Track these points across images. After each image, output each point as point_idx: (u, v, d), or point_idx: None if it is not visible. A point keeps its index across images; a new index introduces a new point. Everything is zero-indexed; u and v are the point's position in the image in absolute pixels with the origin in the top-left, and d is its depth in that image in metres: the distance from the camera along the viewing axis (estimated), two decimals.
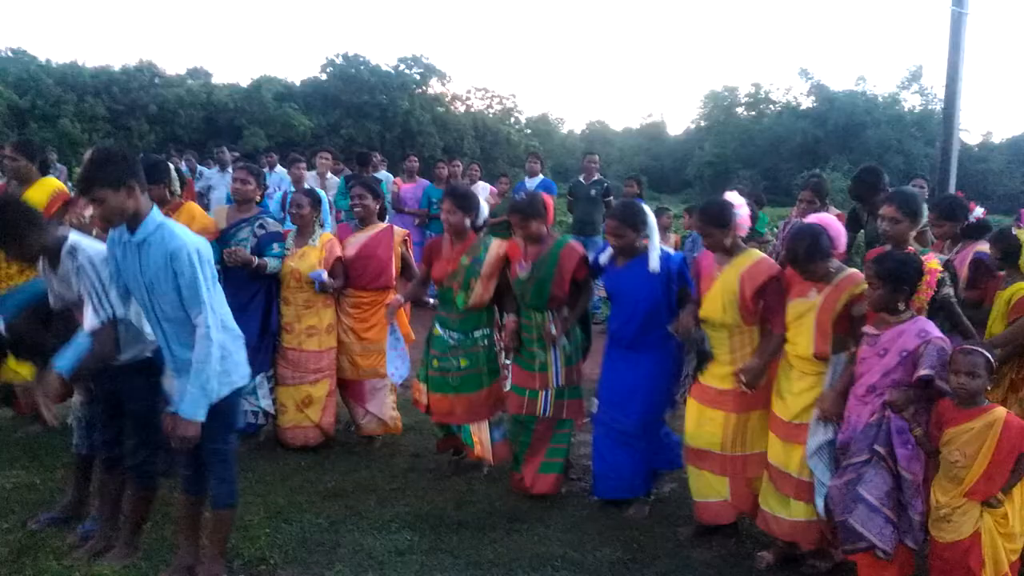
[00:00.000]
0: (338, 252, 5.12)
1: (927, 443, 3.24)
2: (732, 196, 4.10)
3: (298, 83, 38.67)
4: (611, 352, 4.41)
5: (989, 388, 3.17)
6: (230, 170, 9.23)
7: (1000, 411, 3.12)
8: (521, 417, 4.53)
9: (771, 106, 49.78)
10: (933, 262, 3.58)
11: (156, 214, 3.20)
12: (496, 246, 4.63)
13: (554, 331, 4.40)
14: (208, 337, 3.13)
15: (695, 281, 4.11)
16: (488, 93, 47.13)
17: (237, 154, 12.32)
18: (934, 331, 3.32)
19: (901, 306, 3.35)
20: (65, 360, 3.31)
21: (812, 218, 3.89)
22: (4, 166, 5.77)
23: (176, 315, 3.18)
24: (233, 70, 60.01)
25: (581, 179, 9.91)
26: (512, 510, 4.37)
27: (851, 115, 42.42)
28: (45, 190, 5.72)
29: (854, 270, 3.71)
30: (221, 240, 4.95)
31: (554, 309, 4.47)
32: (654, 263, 4.15)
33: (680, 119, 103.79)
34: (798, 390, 3.69)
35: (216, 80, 37.87)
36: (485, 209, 4.84)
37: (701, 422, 3.98)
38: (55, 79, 31.08)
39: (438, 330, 4.72)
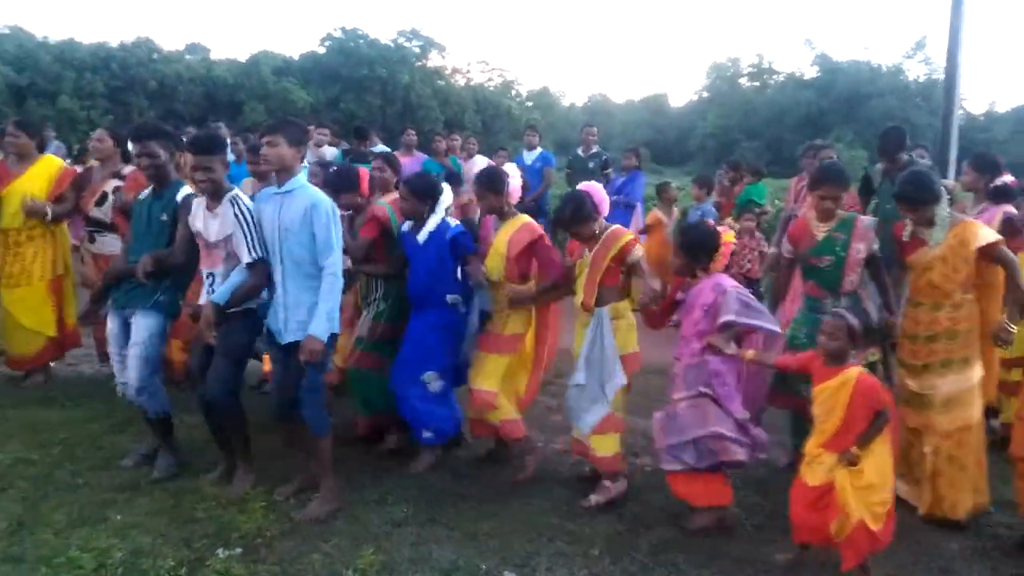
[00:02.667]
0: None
1: (767, 359, 3.84)
2: (509, 167, 4.69)
3: (297, 57, 38.46)
4: (410, 313, 4.66)
5: (854, 353, 3.48)
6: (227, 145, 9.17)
7: (854, 371, 3.39)
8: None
9: (774, 77, 49.46)
10: (729, 235, 4.12)
11: (303, 176, 3.91)
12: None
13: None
14: (336, 276, 3.79)
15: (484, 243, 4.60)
16: (488, 66, 47.13)
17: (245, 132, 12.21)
18: (728, 283, 3.87)
19: (700, 273, 3.93)
20: (220, 294, 3.87)
21: (581, 186, 4.38)
22: (5, 143, 5.80)
23: (300, 255, 3.80)
24: (231, 45, 59.87)
25: (579, 151, 9.86)
26: (510, 485, 4.40)
27: (855, 85, 42.13)
28: (49, 169, 5.77)
29: (617, 226, 4.21)
30: None
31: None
32: (422, 234, 4.47)
33: (683, 91, 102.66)
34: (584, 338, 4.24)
35: (214, 55, 37.77)
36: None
37: (480, 365, 4.45)
38: (53, 56, 30.93)
39: None
